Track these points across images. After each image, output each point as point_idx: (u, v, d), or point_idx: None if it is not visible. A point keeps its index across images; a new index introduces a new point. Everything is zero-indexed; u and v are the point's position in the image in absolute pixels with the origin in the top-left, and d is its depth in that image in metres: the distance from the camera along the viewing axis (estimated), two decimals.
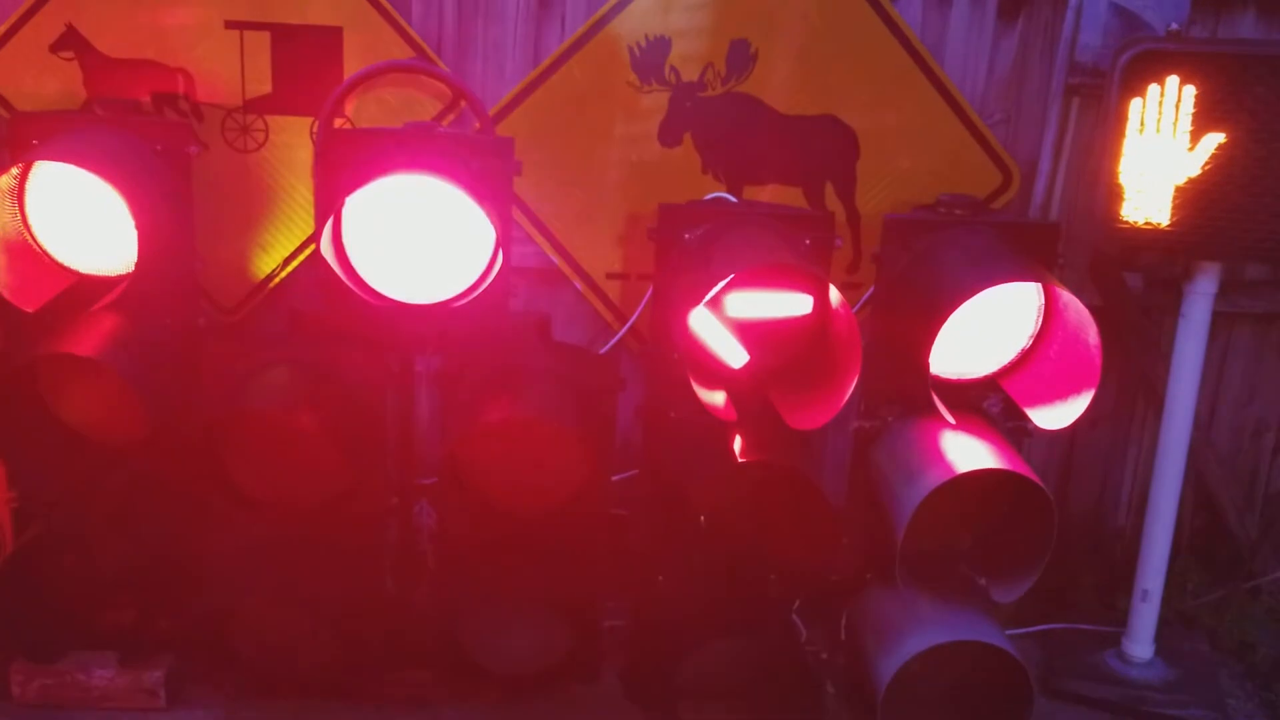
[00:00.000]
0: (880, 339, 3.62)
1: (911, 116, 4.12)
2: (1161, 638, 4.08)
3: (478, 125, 3.97)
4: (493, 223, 3.28)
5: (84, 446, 3.63)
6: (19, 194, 3.50)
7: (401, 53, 4.00)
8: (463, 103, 4.05)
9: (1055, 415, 3.43)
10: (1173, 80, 3.50)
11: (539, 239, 4.19)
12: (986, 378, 3.65)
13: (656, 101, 4.09)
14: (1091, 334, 3.30)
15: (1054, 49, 4.15)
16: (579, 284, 4.24)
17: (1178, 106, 3.51)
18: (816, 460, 3.72)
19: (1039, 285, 3.50)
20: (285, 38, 3.98)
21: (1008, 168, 4.19)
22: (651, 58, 4.05)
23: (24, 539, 3.72)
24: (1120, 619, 4.12)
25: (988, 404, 3.64)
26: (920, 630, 3.47)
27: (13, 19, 3.92)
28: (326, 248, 3.34)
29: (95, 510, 3.63)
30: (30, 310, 3.38)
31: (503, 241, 3.33)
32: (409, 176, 3.29)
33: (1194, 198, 3.56)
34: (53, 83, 3.96)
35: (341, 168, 3.39)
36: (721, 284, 3.23)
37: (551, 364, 3.62)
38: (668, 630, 3.71)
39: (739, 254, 3.38)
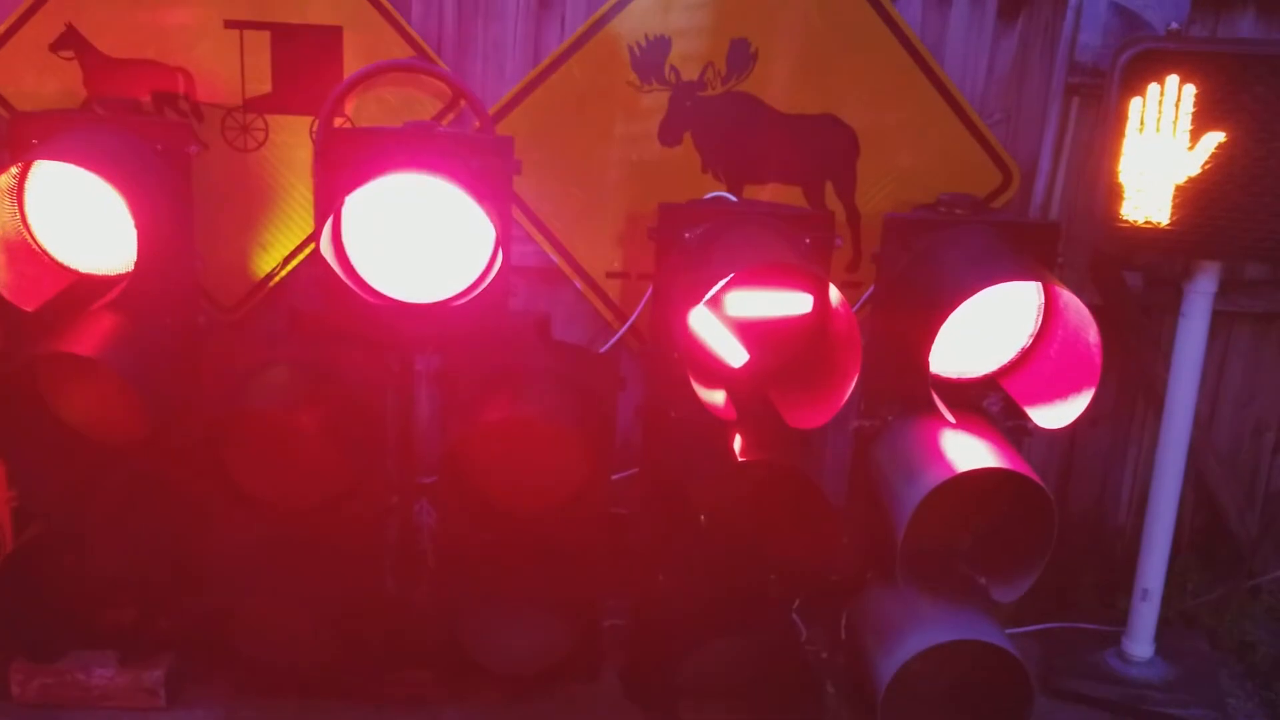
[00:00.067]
0: (880, 338, 3.62)
1: (911, 116, 4.12)
2: (1161, 637, 4.07)
3: (477, 124, 3.97)
4: (492, 222, 3.28)
5: (84, 446, 3.63)
6: (19, 193, 3.50)
7: (401, 52, 4.00)
8: (462, 102, 4.05)
9: (1055, 414, 3.43)
10: (1173, 79, 3.49)
11: (539, 238, 4.19)
12: (986, 377, 3.65)
13: (656, 101, 4.09)
14: (1091, 333, 3.30)
15: (1054, 48, 4.15)
16: (579, 283, 4.24)
17: (1178, 106, 3.51)
18: (816, 459, 3.72)
19: (1039, 284, 3.50)
20: (285, 37, 3.98)
21: (1008, 167, 4.19)
22: (651, 57, 4.05)
23: (24, 539, 3.72)
24: (1120, 618, 4.11)
25: (988, 403, 3.64)
26: (920, 629, 3.47)
27: (12, 18, 3.92)
28: (326, 247, 3.34)
29: (95, 510, 3.63)
30: (30, 309, 3.39)
31: (502, 240, 3.33)
32: (409, 176, 3.29)
33: (1194, 197, 3.56)
34: (53, 82, 3.96)
35: (341, 167, 3.39)
36: (721, 283, 3.23)
37: (551, 363, 3.62)
38: (668, 629, 3.71)
39: (739, 253, 3.38)
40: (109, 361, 3.35)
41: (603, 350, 4.16)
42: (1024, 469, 3.30)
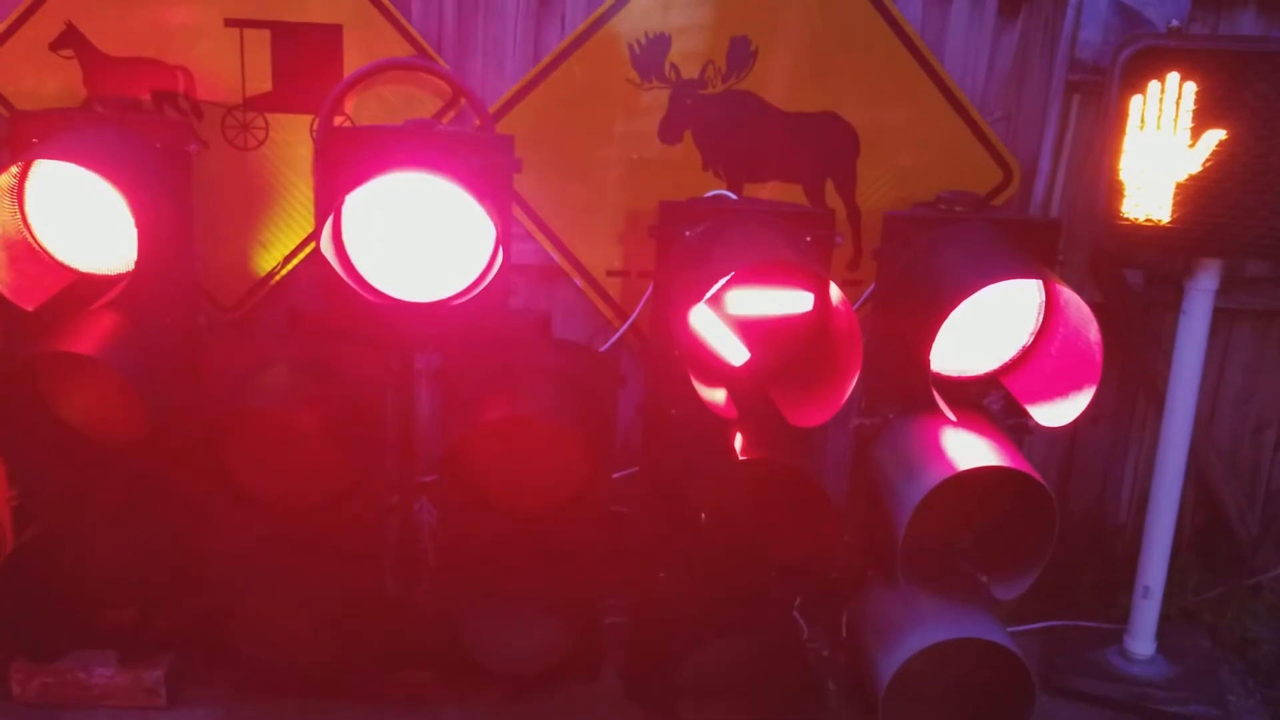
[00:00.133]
0: (881, 336, 3.62)
1: (912, 113, 4.12)
2: (1163, 634, 4.07)
3: (478, 123, 3.97)
4: (493, 220, 3.28)
5: (84, 446, 3.63)
6: (19, 192, 3.50)
7: (401, 50, 4.00)
8: (463, 100, 4.04)
9: (1056, 412, 3.43)
10: (1173, 77, 3.49)
11: (539, 236, 4.18)
12: (987, 375, 3.65)
13: (657, 99, 4.09)
14: (1092, 331, 3.30)
15: (1054, 46, 4.15)
16: (579, 281, 4.24)
17: (1178, 103, 3.51)
18: (817, 458, 3.71)
19: (1040, 282, 3.50)
20: (285, 35, 3.98)
21: (1008, 165, 4.19)
22: (651, 55, 4.05)
23: (24, 539, 3.72)
24: (1121, 616, 4.11)
25: (989, 401, 3.64)
26: (921, 628, 3.47)
27: (12, 17, 3.92)
28: (326, 246, 3.34)
29: (95, 510, 3.63)
30: (30, 309, 3.38)
31: (503, 239, 3.33)
32: (409, 174, 3.29)
33: (1195, 194, 3.56)
34: (52, 81, 3.96)
35: (341, 165, 3.39)
36: (722, 281, 3.22)
37: (552, 362, 3.62)
38: (668, 628, 3.71)
39: (739, 251, 3.37)
40: (109, 361, 3.35)
41: (603, 349, 4.16)
42: (1025, 467, 3.30)
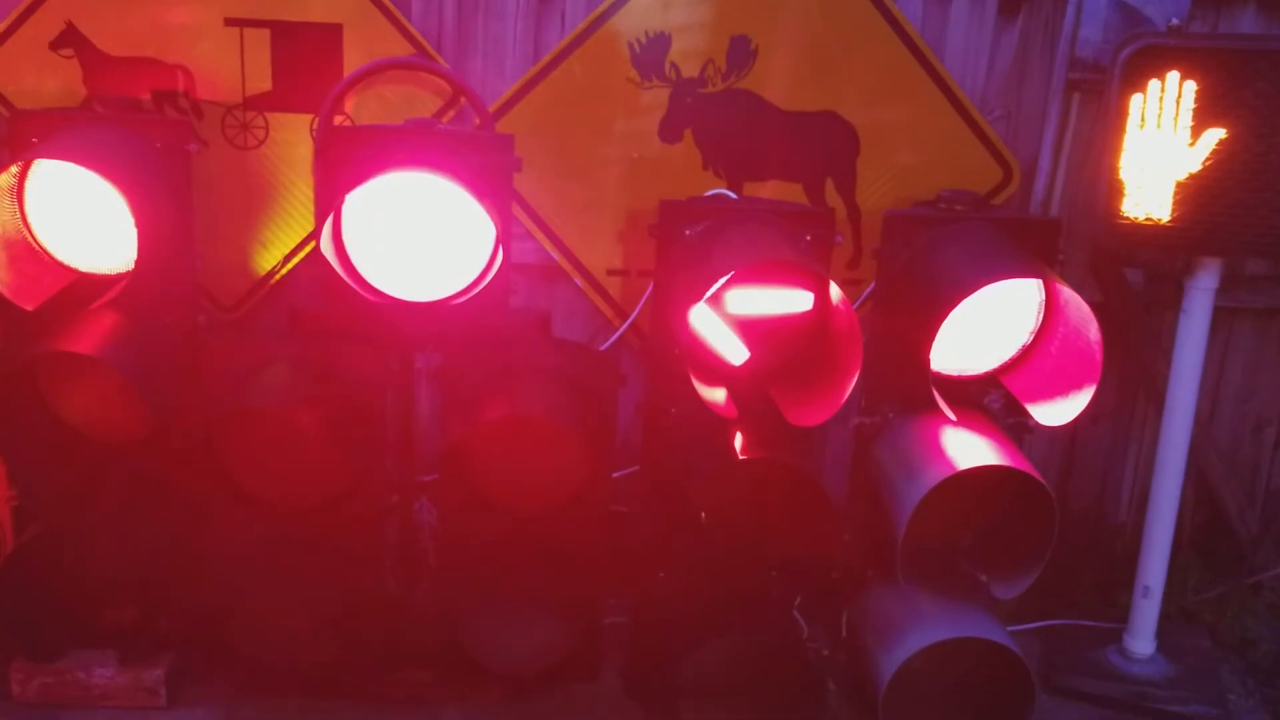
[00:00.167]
0: (881, 335, 3.62)
1: (912, 112, 4.12)
2: (1163, 634, 4.07)
3: (478, 122, 3.96)
4: (492, 219, 3.28)
5: (84, 445, 3.63)
6: (18, 192, 3.50)
7: (401, 49, 4.00)
8: (463, 99, 4.04)
9: (1056, 411, 3.43)
10: (1173, 75, 3.49)
11: (539, 235, 4.18)
12: (987, 374, 3.65)
13: (657, 98, 4.09)
14: (1092, 330, 3.30)
15: (1054, 44, 4.15)
16: (579, 280, 4.24)
17: (1178, 102, 3.50)
18: (817, 457, 3.71)
19: (1040, 281, 3.50)
20: (285, 35, 3.98)
21: (1008, 164, 4.19)
22: (651, 54, 4.04)
23: (24, 539, 3.71)
24: (1121, 615, 4.11)
25: (989, 400, 3.64)
26: (921, 627, 3.47)
27: (12, 16, 3.91)
28: (326, 245, 3.34)
29: (95, 510, 3.63)
30: (30, 308, 3.38)
31: (503, 238, 3.33)
32: (409, 173, 3.29)
33: (1195, 193, 3.56)
34: (52, 80, 3.95)
35: (341, 165, 3.39)
36: (722, 281, 3.22)
37: (552, 361, 3.62)
38: (668, 628, 3.71)
39: (739, 250, 3.37)
40: (109, 361, 3.35)
41: (603, 348, 4.16)
42: (1025, 466, 3.30)
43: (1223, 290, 3.82)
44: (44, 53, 3.93)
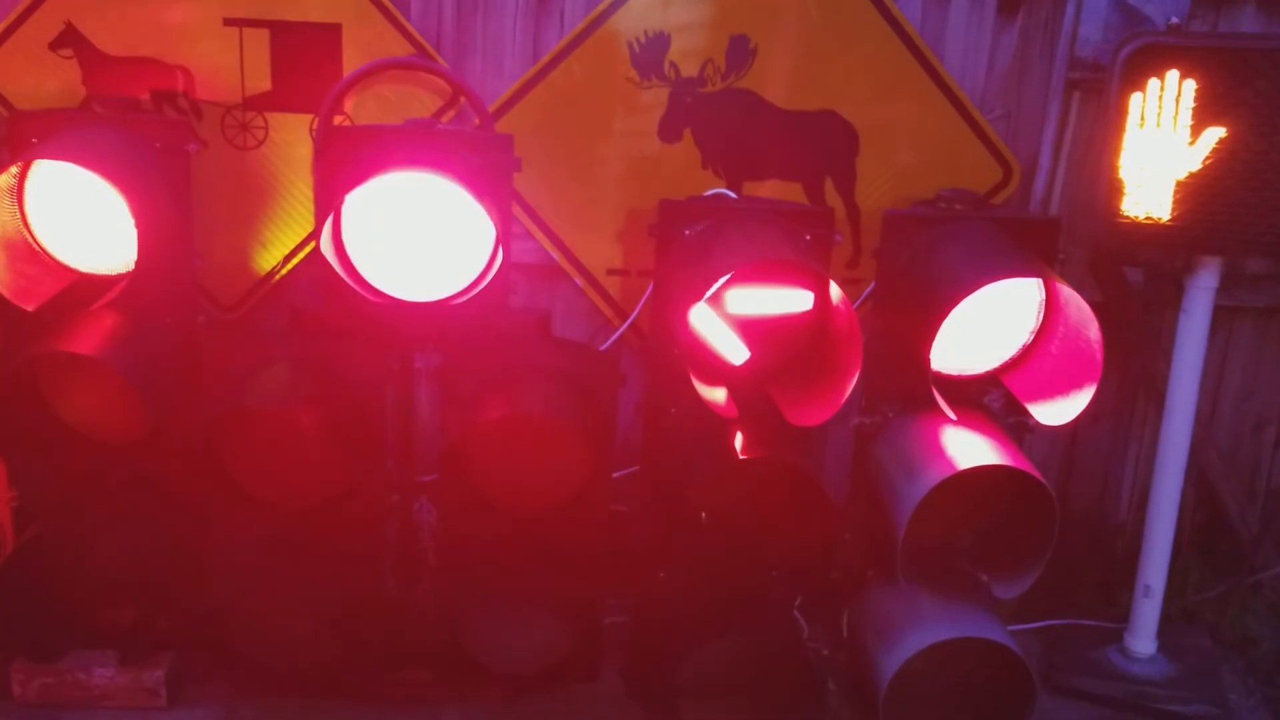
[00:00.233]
0: (881, 335, 3.62)
1: (911, 112, 4.12)
2: (1163, 633, 4.07)
3: (477, 122, 3.96)
4: (492, 219, 3.28)
5: (84, 445, 3.62)
6: (18, 193, 3.50)
7: (401, 49, 4.00)
8: (462, 99, 4.04)
9: (1056, 411, 3.43)
10: (1173, 74, 3.49)
11: (539, 235, 4.18)
12: (987, 373, 3.65)
13: (656, 97, 4.09)
14: (1092, 329, 3.30)
15: (1054, 44, 4.15)
16: (579, 280, 4.23)
17: (1178, 101, 3.50)
18: (817, 457, 3.71)
19: (1040, 281, 3.50)
20: (284, 35, 3.98)
21: (1008, 163, 4.19)
22: (651, 53, 4.04)
23: (24, 539, 3.71)
24: (1122, 614, 4.11)
25: (989, 400, 3.64)
26: (922, 627, 3.47)
27: (11, 17, 3.91)
28: (326, 245, 3.34)
29: (95, 510, 3.63)
30: (30, 309, 3.38)
31: (502, 238, 3.33)
32: (409, 173, 3.28)
33: (1195, 192, 3.55)
34: (52, 81, 3.96)
35: (341, 165, 3.39)
36: (722, 280, 3.22)
37: (551, 361, 3.62)
38: (669, 628, 3.70)
39: (739, 250, 3.37)
40: (109, 361, 3.35)
41: (603, 347, 4.15)
42: (1025, 466, 3.29)
43: (1223, 289, 3.82)
44: (43, 53, 3.93)
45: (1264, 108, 3.46)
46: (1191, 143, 3.52)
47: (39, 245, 3.56)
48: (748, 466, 3.49)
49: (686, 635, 3.67)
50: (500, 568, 3.60)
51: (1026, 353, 3.61)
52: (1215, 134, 3.50)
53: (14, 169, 3.39)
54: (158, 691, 3.62)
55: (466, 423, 3.48)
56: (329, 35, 3.99)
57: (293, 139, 4.07)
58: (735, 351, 3.44)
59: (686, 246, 3.55)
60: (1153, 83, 3.51)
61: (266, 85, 4.02)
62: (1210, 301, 3.79)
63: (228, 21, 3.96)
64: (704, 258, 3.43)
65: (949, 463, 3.32)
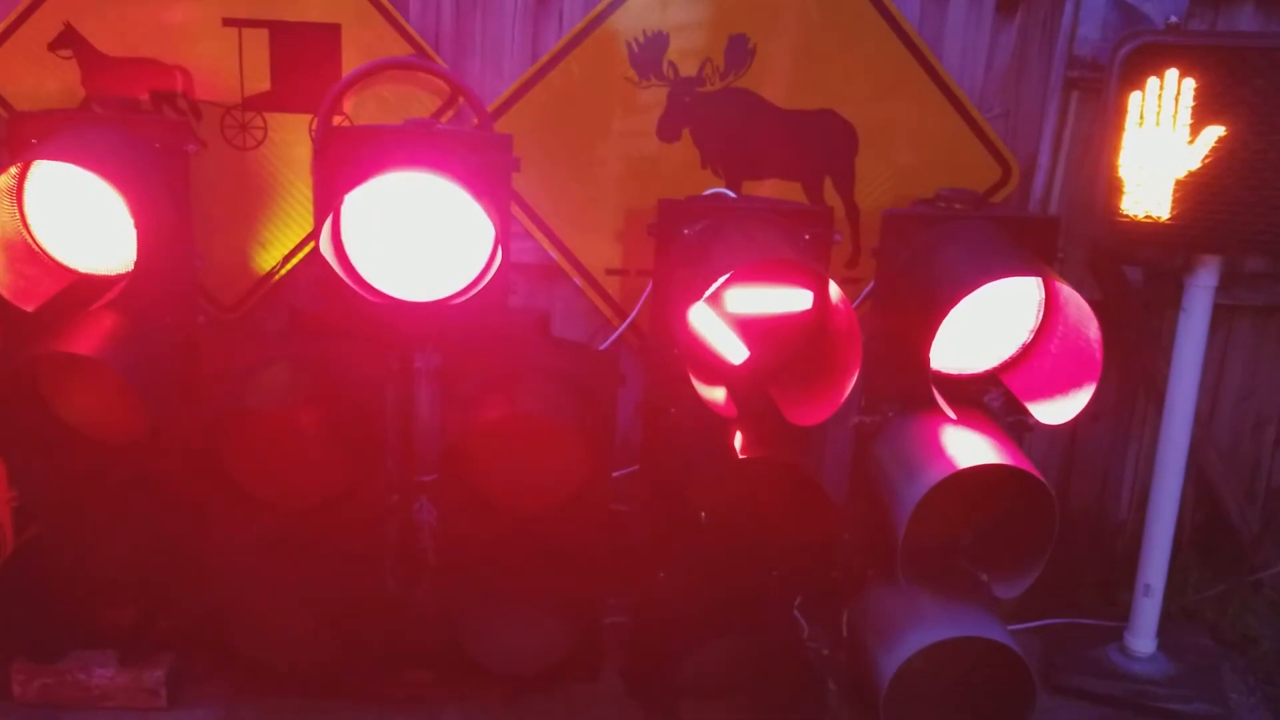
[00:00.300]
0: (880, 334, 3.62)
1: (910, 111, 4.12)
2: (1163, 632, 4.07)
3: (476, 122, 3.96)
4: (491, 219, 3.28)
5: (84, 445, 3.62)
6: (18, 193, 3.50)
7: (400, 50, 4.00)
8: (461, 99, 4.04)
9: (1056, 410, 3.43)
10: (1172, 73, 3.49)
11: (538, 235, 4.18)
12: (987, 372, 3.65)
13: (655, 97, 4.09)
14: (1092, 328, 3.30)
15: (1053, 43, 4.15)
16: (578, 280, 4.24)
17: (1177, 99, 3.50)
18: (817, 456, 3.71)
19: (1039, 280, 3.49)
20: (283, 35, 3.98)
21: (1007, 162, 4.19)
22: (649, 53, 4.04)
23: (24, 539, 3.71)
24: (1122, 614, 4.11)
25: (988, 399, 3.64)
26: (922, 626, 3.47)
27: (11, 17, 3.92)
28: (325, 245, 3.34)
29: (95, 510, 3.63)
30: (30, 309, 3.38)
31: (501, 238, 3.33)
32: (408, 173, 3.28)
33: (1194, 191, 3.55)
34: (51, 81, 3.96)
35: (340, 165, 3.39)
36: (721, 280, 3.22)
37: (551, 360, 3.62)
38: (668, 628, 3.70)
39: (738, 249, 3.37)
40: (109, 361, 3.35)
41: (602, 347, 4.16)
42: (1025, 465, 3.29)
43: (1222, 288, 3.82)
44: (43, 54, 3.93)
45: (1263, 106, 3.46)
46: (1190, 141, 3.52)
47: (38, 246, 3.56)
48: (747, 466, 3.49)
49: (686, 635, 3.67)
50: (500, 568, 3.60)
51: (1026, 352, 3.61)
52: (1214, 133, 3.50)
53: (13, 170, 3.39)
54: (158, 692, 3.62)
55: (466, 423, 3.48)
56: (328, 35, 3.99)
57: (292, 139, 4.07)
58: (734, 351, 3.44)
59: (686, 246, 3.55)
60: (1152, 81, 3.51)
61: (266, 85, 4.02)
62: (1210, 300, 3.79)
63: (227, 22, 3.96)
64: (703, 257, 3.43)
65: (949, 462, 3.32)
